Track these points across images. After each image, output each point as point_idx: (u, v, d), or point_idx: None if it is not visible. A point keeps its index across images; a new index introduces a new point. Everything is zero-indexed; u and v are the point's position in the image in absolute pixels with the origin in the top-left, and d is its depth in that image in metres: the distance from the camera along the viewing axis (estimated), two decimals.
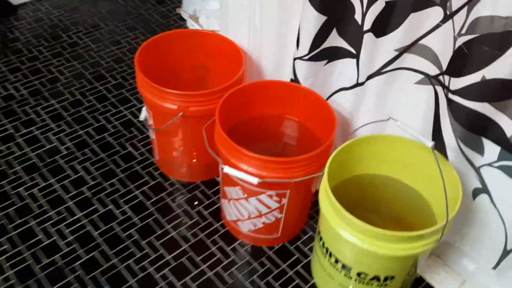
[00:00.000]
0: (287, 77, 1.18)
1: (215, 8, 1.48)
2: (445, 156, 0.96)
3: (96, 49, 1.73)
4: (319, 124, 1.11)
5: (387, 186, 1.06)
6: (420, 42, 0.92)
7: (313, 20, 1.01)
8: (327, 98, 1.16)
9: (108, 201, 1.23)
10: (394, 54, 0.96)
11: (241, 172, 0.92)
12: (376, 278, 0.93)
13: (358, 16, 0.98)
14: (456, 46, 0.85)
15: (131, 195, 1.25)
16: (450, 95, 0.89)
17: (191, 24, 1.43)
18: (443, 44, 0.88)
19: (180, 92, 1.07)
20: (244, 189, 1.01)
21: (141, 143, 1.39)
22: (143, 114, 1.25)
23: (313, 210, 1.20)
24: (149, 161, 1.34)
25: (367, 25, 0.97)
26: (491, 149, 0.90)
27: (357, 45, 1.02)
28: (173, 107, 1.09)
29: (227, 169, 0.93)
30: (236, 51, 1.22)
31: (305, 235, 1.19)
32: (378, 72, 1.00)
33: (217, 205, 1.24)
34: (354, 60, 1.05)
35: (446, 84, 0.90)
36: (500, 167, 0.91)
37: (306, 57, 1.07)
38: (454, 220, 0.90)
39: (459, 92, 0.87)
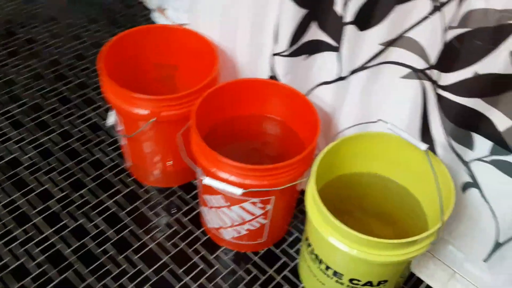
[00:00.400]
0: (264, 73, 1.11)
1: None
2: (434, 151, 0.92)
3: (55, 45, 1.61)
4: (302, 123, 1.05)
5: (376, 184, 1.02)
6: (406, 35, 0.87)
7: (293, 14, 0.94)
8: (308, 93, 1.11)
9: (79, 215, 1.15)
10: (380, 48, 0.90)
11: (222, 183, 0.86)
12: (369, 283, 0.90)
13: (338, 7, 0.92)
14: (447, 39, 0.81)
15: (103, 206, 1.17)
16: (440, 91, 0.85)
17: (157, 16, 1.34)
18: (432, 38, 0.84)
19: (152, 97, 0.99)
20: (227, 198, 0.95)
21: (111, 148, 1.30)
22: (111, 118, 1.16)
23: (297, 209, 1.16)
24: (121, 168, 1.26)
25: (348, 17, 0.91)
26: (482, 144, 0.87)
27: (338, 38, 0.96)
28: (144, 113, 1.01)
29: (207, 181, 0.87)
30: (208, 47, 1.14)
31: (290, 237, 1.14)
32: (363, 67, 0.95)
33: (196, 211, 1.18)
34: (335, 54, 1.00)
35: (435, 79, 0.86)
36: (492, 162, 0.88)
37: (286, 53, 1.01)
38: None
39: (450, 88, 0.83)
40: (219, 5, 1.12)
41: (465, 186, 0.94)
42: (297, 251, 1.11)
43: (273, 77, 1.08)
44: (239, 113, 1.10)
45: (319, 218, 0.85)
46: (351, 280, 0.90)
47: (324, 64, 1.04)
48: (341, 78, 1.02)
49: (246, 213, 0.98)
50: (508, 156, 0.85)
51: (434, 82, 0.86)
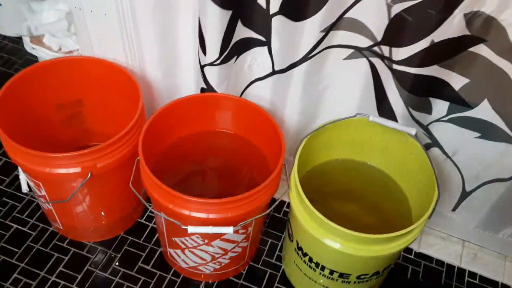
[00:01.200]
0: (193, 88, 1.01)
1: (51, 20, 1.17)
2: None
3: None
4: (256, 132, 0.97)
5: (356, 171, 0.99)
6: (346, 16, 0.83)
7: (218, 18, 0.84)
8: (241, 94, 1.02)
9: None
10: (320, 35, 0.85)
11: (211, 227, 0.76)
12: (362, 275, 0.88)
13: (261, 1, 0.84)
14: (392, 14, 0.78)
15: (47, 286, 0.98)
16: (395, 66, 0.83)
17: (32, 48, 1.11)
18: (374, 14, 0.80)
19: (83, 151, 0.83)
20: (204, 235, 0.85)
21: (26, 213, 1.09)
22: (24, 183, 0.96)
23: None
24: (49, 232, 1.07)
25: (274, 8, 0.84)
26: (439, 106, 0.88)
27: (266, 31, 0.89)
28: (74, 171, 0.84)
29: (192, 229, 0.76)
30: (115, 72, 0.99)
31: (265, 246, 1.08)
32: (305, 58, 0.89)
33: (158, 252, 1.05)
34: (265, 48, 0.92)
35: (387, 55, 0.83)
36: (449, 120, 0.90)
37: (218, 62, 0.91)
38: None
39: (405, 61, 0.81)
40: (115, 23, 0.96)
41: (427, 147, 0.96)
42: (278, 258, 1.06)
43: (204, 89, 0.97)
44: (188, 132, 0.99)
45: (308, 219, 0.81)
46: (342, 275, 0.87)
47: (255, 61, 0.96)
48: (276, 72, 0.95)
49: (229, 243, 0.89)
50: (464, 112, 0.87)
51: (385, 58, 0.84)
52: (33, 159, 0.84)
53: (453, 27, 0.74)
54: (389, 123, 0.84)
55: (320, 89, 0.96)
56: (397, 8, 0.77)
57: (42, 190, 0.92)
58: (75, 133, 1.11)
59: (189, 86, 1.05)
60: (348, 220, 0.80)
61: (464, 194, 1.00)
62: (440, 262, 1.07)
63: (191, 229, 0.76)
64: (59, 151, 1.06)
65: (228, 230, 0.76)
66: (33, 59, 1.39)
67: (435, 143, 0.95)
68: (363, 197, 0.99)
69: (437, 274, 1.06)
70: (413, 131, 0.84)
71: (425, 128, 0.93)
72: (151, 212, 1.11)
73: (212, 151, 1.03)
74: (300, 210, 0.82)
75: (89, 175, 0.85)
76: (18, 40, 1.47)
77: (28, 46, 1.13)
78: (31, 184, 0.94)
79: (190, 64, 1.02)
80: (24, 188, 0.95)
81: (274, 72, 0.96)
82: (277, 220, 1.12)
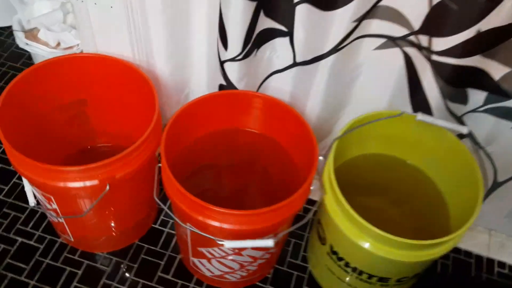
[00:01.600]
0: (206, 83, 0.94)
1: (45, 12, 1.07)
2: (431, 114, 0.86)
3: None
4: (284, 132, 0.91)
5: (390, 167, 0.94)
6: (381, 3, 0.77)
7: (243, 10, 0.77)
8: (259, 87, 0.96)
9: None
10: (352, 25, 0.79)
11: (251, 241, 0.70)
12: (403, 278, 0.84)
13: None
14: (434, 2, 0.72)
15: None
16: (434, 56, 0.77)
17: (26, 44, 1.01)
18: (413, 1, 0.74)
19: (101, 163, 0.75)
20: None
21: (31, 224, 1.02)
22: (31, 195, 0.88)
23: None
24: (58, 244, 0.99)
25: None
26: (476, 96, 0.83)
27: (288, 21, 0.82)
28: (91, 184, 0.77)
29: (230, 244, 0.70)
30: (123, 68, 0.92)
31: (288, 246, 1.03)
32: (333, 50, 0.82)
33: (177, 260, 0.99)
34: (287, 38, 0.86)
35: (425, 45, 0.78)
36: (485, 110, 0.85)
37: (240, 57, 0.84)
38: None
39: (446, 52, 0.76)
40: (122, 16, 0.88)
41: (460, 137, 0.91)
42: (303, 259, 1.01)
43: (226, 86, 0.90)
44: (209, 131, 0.92)
45: (344, 221, 0.76)
46: (381, 279, 0.83)
47: (275, 52, 0.90)
48: (296, 64, 0.89)
49: (258, 251, 0.84)
50: (502, 102, 0.83)
51: (423, 48, 0.78)
52: (44, 172, 0.77)
53: (502, 15, 0.69)
54: (440, 122, 0.78)
55: (347, 81, 0.90)
56: None
57: (53, 204, 0.85)
58: (79, 133, 1.03)
59: (201, 82, 0.98)
60: (385, 220, 0.76)
61: (496, 185, 0.97)
62: (468, 254, 1.05)
63: (228, 244, 0.70)
64: (63, 153, 0.99)
65: (268, 243, 0.71)
66: (20, 52, 1.29)
67: (468, 133, 0.90)
68: (395, 191, 0.95)
69: (467, 265, 1.03)
70: (465, 129, 0.79)
71: (458, 119, 0.88)
72: (165, 216, 1.05)
73: (235, 151, 0.97)
74: (338, 215, 0.77)
75: (108, 187, 0.78)
76: (2, 31, 1.37)
77: (21, 41, 1.03)
78: (40, 197, 0.86)
79: (202, 58, 0.95)
80: (32, 202, 0.88)
81: (295, 64, 0.90)
82: (298, 218, 1.07)
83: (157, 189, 0.81)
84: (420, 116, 0.79)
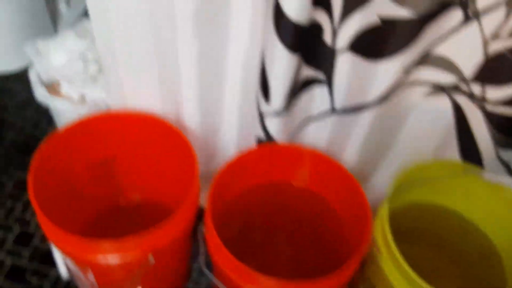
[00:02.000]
0: (248, 140, 0.90)
1: (63, 62, 1.02)
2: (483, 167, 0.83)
3: None
4: (331, 189, 0.87)
5: (441, 218, 0.90)
6: (432, 52, 0.73)
7: (287, 61, 0.73)
8: (294, 136, 0.92)
9: None
10: (399, 75, 0.75)
11: None
12: None
13: (327, 36, 0.74)
14: (490, 51, 0.69)
15: None
16: (488, 106, 0.74)
17: (47, 97, 0.95)
18: (466, 51, 0.71)
19: (143, 233, 0.70)
20: None
21: None
22: (63, 268, 0.82)
23: None
24: None
25: (340, 43, 0.74)
26: None
27: (328, 69, 0.79)
28: (133, 256, 0.72)
29: None
30: (155, 125, 0.87)
31: None
32: (376, 100, 0.79)
33: None
34: (325, 87, 0.82)
35: (477, 93, 0.74)
36: None
37: (281, 109, 0.80)
38: None
39: (503, 102, 0.72)
40: (155, 69, 0.84)
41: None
42: None
43: (265, 140, 0.86)
44: (251, 186, 0.88)
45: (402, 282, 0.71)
46: None
47: (313, 101, 0.86)
48: (335, 112, 0.85)
49: None
50: None
51: (475, 97, 0.75)
52: (83, 246, 0.71)
53: None
54: (506, 179, 0.75)
55: (388, 131, 0.86)
56: (496, 45, 0.68)
57: (89, 275, 0.79)
58: (108, 190, 0.99)
59: (248, 139, 0.94)
60: (431, 271, 0.71)
61: None
62: None
63: None
64: (89, 211, 0.95)
65: None
66: (29, 95, 1.24)
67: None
68: (443, 244, 0.90)
69: None
70: None
71: (508, 167, 0.85)
72: (199, 273, 1.00)
73: (282, 210, 0.93)
74: (397, 279, 0.72)
75: (151, 258, 0.73)
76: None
77: (41, 96, 0.98)
78: (74, 269, 0.81)
79: (233, 109, 0.92)
80: (64, 274, 0.82)
81: (333, 112, 0.86)
82: None
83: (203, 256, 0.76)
84: (488, 175, 0.75)
